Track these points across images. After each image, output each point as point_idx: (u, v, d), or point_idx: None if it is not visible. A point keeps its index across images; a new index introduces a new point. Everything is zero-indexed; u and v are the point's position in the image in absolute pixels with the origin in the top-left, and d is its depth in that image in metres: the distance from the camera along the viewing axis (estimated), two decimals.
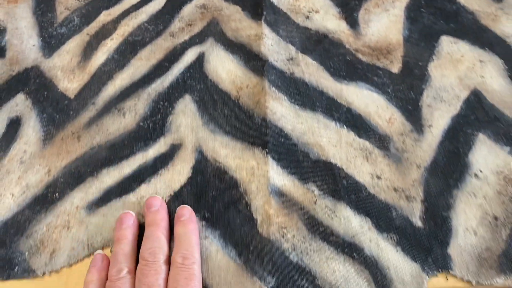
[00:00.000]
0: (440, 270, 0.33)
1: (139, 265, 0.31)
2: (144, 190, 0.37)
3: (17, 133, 0.41)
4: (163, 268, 0.31)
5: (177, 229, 0.34)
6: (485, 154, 0.38)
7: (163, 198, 0.36)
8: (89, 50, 0.47)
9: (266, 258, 0.33)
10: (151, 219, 0.34)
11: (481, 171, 0.37)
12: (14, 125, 0.41)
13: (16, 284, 0.33)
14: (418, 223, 0.35)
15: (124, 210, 0.36)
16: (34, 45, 0.48)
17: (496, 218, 0.35)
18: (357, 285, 0.32)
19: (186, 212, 0.35)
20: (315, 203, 0.36)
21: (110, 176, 0.38)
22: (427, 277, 0.33)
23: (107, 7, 0.51)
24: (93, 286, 0.31)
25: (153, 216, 0.34)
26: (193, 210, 0.35)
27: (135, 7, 0.51)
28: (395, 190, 0.37)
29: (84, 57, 0.47)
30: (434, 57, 0.45)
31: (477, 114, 0.41)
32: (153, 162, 0.39)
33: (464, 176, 0.37)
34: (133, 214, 0.35)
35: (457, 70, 0.44)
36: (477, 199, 0.36)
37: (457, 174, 0.37)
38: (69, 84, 0.44)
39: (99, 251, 0.34)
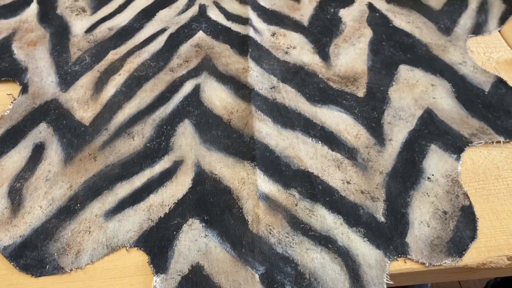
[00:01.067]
0: (399, 255, 0.40)
1: None
2: (153, 199, 0.44)
3: (42, 156, 0.48)
4: None
5: None
6: (436, 161, 0.46)
7: (168, 205, 0.43)
8: (100, 84, 0.55)
9: (257, 251, 0.40)
10: None
11: (433, 175, 0.45)
12: (39, 149, 0.48)
13: (48, 280, 0.39)
14: (381, 218, 0.42)
15: (136, 216, 0.43)
16: (52, 82, 0.55)
17: (445, 213, 0.42)
18: (332, 270, 0.39)
19: None
20: (296, 205, 0.43)
21: (123, 189, 0.45)
22: (388, 261, 0.39)
23: (114, 47, 0.60)
24: None
25: None
26: (194, 214, 0.42)
27: (139, 47, 0.60)
28: (362, 192, 0.44)
29: (96, 90, 0.54)
30: (393, 82, 0.54)
31: (429, 129, 0.49)
32: (159, 176, 0.46)
33: (419, 180, 0.45)
34: None
35: (413, 93, 0.53)
36: (429, 197, 0.43)
37: (413, 178, 0.45)
38: (84, 114, 0.52)
39: None
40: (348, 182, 0.45)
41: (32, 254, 0.40)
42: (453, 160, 0.46)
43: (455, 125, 0.49)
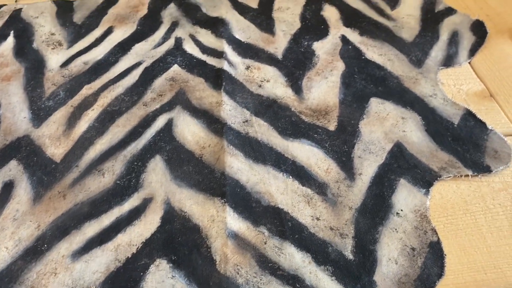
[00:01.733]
0: None
1: None
2: (121, 239, 0.44)
3: (10, 195, 0.47)
4: None
5: None
6: (405, 196, 0.47)
7: (136, 245, 0.43)
8: (73, 120, 0.55)
9: None
10: None
11: (401, 210, 0.45)
12: (8, 187, 0.48)
13: None
14: (350, 256, 0.42)
15: (103, 257, 0.42)
16: (25, 117, 0.55)
17: (413, 249, 0.42)
18: None
19: None
20: (265, 243, 0.43)
21: (91, 228, 0.44)
22: None
23: (89, 82, 0.60)
24: None
25: None
26: (162, 254, 0.42)
27: (113, 81, 0.60)
28: (331, 229, 0.44)
29: (69, 126, 0.54)
30: (364, 116, 0.55)
31: (399, 163, 0.50)
32: (128, 214, 0.46)
33: (388, 215, 0.45)
34: None
35: (383, 126, 0.53)
36: (398, 233, 0.44)
37: (382, 213, 0.45)
38: (56, 150, 0.52)
39: None
40: (318, 219, 0.45)
41: None
42: (422, 195, 0.46)
43: (425, 158, 0.50)
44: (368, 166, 0.49)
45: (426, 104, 0.56)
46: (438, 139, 0.52)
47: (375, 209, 0.46)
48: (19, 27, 0.70)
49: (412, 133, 0.53)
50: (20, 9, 0.73)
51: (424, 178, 0.48)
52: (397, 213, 0.45)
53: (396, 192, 0.47)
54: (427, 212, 0.45)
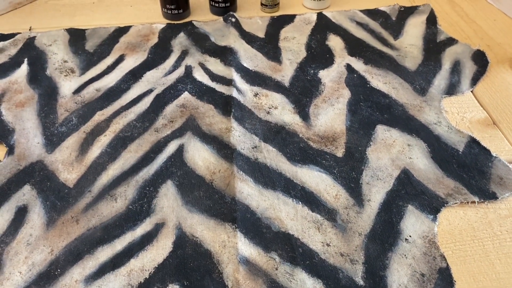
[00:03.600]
0: None
1: None
2: (133, 264, 0.44)
3: (24, 219, 0.48)
4: None
5: None
6: (413, 222, 0.47)
7: (148, 270, 0.43)
8: (85, 145, 0.56)
9: None
10: None
11: (410, 236, 0.46)
12: (22, 212, 0.49)
13: None
14: (360, 282, 0.43)
15: (116, 282, 0.43)
16: (38, 143, 0.57)
17: (423, 275, 0.43)
18: None
19: None
20: (276, 269, 0.43)
21: (104, 253, 0.45)
22: None
23: (101, 108, 0.62)
24: None
25: None
26: (174, 279, 0.42)
27: (125, 108, 0.61)
28: (342, 255, 0.45)
29: (81, 152, 0.55)
30: (371, 142, 0.56)
31: (406, 189, 0.50)
32: (140, 239, 0.46)
33: (397, 241, 0.46)
34: None
35: (390, 153, 0.54)
36: (407, 259, 0.44)
37: (391, 239, 0.46)
38: (69, 175, 0.53)
39: None
40: (328, 245, 0.45)
41: None
42: (430, 221, 0.47)
43: (431, 185, 0.51)
44: (376, 192, 0.50)
45: (431, 132, 0.57)
46: (444, 166, 0.53)
47: (385, 235, 0.46)
48: (32, 55, 0.72)
49: (419, 160, 0.54)
50: (34, 37, 0.76)
51: (432, 205, 0.49)
52: (406, 239, 0.46)
53: (404, 218, 0.48)
54: (436, 238, 0.46)
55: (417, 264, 0.44)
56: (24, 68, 0.69)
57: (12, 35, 0.76)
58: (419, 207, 0.49)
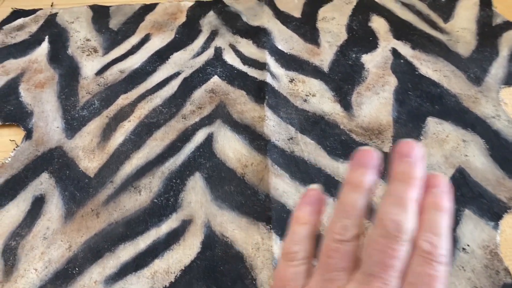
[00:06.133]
0: None
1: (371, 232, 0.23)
2: (157, 265, 0.40)
3: (41, 210, 0.44)
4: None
5: (427, 201, 0.23)
6: (471, 229, 0.42)
7: (174, 273, 0.39)
8: (108, 131, 0.52)
9: None
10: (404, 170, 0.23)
11: (468, 245, 0.41)
12: (39, 202, 0.45)
13: None
14: None
15: (138, 285, 0.39)
16: (58, 127, 0.53)
17: None
18: None
19: (442, 183, 0.24)
20: None
21: (126, 252, 0.41)
22: None
23: (125, 91, 0.57)
24: (305, 231, 0.25)
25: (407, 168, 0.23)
26: (202, 284, 0.38)
27: (151, 92, 0.57)
28: None
29: (104, 138, 0.51)
30: (421, 137, 0.50)
31: (462, 191, 0.45)
32: (166, 237, 0.42)
33: (453, 250, 0.40)
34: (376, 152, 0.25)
35: (443, 150, 0.49)
36: (466, 272, 0.39)
37: None
38: (89, 164, 0.49)
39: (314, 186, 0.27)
40: None
41: None
42: (491, 228, 0.42)
43: (491, 187, 0.45)
44: None
45: (488, 126, 0.51)
46: (505, 165, 0.47)
47: None
48: (54, 32, 0.68)
49: (475, 158, 0.48)
50: (55, 14, 0.71)
51: (492, 210, 0.43)
52: (464, 249, 0.40)
53: (461, 225, 0.42)
54: (498, 249, 0.40)
55: (477, 278, 0.38)
56: (44, 46, 0.65)
57: (33, 11, 0.72)
58: (477, 212, 0.43)
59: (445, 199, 0.23)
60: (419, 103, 0.54)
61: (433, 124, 0.51)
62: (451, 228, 0.22)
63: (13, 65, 0.62)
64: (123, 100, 0.56)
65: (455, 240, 0.41)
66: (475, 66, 0.59)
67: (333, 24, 0.67)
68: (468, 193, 0.45)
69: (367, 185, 0.24)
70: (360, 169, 0.24)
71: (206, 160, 0.48)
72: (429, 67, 0.59)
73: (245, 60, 0.61)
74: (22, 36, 0.67)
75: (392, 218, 0.22)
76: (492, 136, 0.50)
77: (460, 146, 0.49)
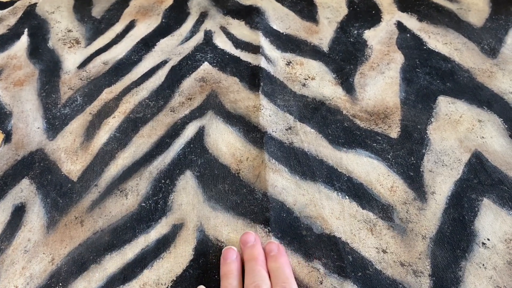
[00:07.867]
0: None
1: None
2: (147, 276, 0.37)
3: (22, 221, 0.41)
4: None
5: (270, 264, 0.35)
6: (491, 221, 0.38)
7: (165, 284, 0.36)
8: (91, 129, 0.48)
9: None
10: (248, 254, 0.35)
11: (488, 239, 0.37)
12: (19, 212, 0.42)
13: None
14: None
15: None
16: (38, 128, 0.49)
17: None
18: None
19: (273, 247, 0.36)
20: (321, 282, 0.35)
21: (113, 262, 0.38)
22: None
23: (109, 85, 0.53)
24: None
25: (250, 251, 0.36)
26: None
27: (136, 83, 0.53)
28: (402, 265, 0.36)
29: (87, 137, 0.48)
30: (432, 119, 0.46)
31: (480, 178, 0.41)
32: (155, 245, 0.39)
33: (471, 246, 0.36)
34: (235, 249, 0.37)
35: (457, 132, 0.44)
36: (486, 270, 0.35)
37: (464, 243, 0.36)
38: (72, 166, 0.45)
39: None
40: (384, 251, 0.37)
41: None
42: None
43: None
44: (442, 182, 0.40)
45: (506, 103, 0.46)
46: None
47: (455, 238, 0.37)
48: (33, 24, 0.63)
49: (493, 140, 0.43)
50: (35, 4, 0.67)
51: None
52: (483, 243, 0.36)
53: (479, 216, 0.38)
54: None
55: (500, 277, 0.34)
56: (24, 40, 0.61)
57: (11, 3, 0.68)
58: (497, 201, 0.39)
59: (279, 256, 0.35)
60: (428, 81, 0.49)
61: (445, 104, 0.47)
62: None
63: None
64: (107, 94, 0.52)
65: (473, 235, 0.37)
66: (489, 37, 0.54)
67: None
68: (486, 180, 0.40)
69: (232, 271, 0.35)
70: (226, 261, 0.36)
71: (197, 156, 0.45)
72: (438, 40, 0.54)
73: (238, 43, 0.57)
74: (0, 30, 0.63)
75: (254, 285, 0.32)
76: (511, 114, 0.45)
77: (476, 127, 0.44)
